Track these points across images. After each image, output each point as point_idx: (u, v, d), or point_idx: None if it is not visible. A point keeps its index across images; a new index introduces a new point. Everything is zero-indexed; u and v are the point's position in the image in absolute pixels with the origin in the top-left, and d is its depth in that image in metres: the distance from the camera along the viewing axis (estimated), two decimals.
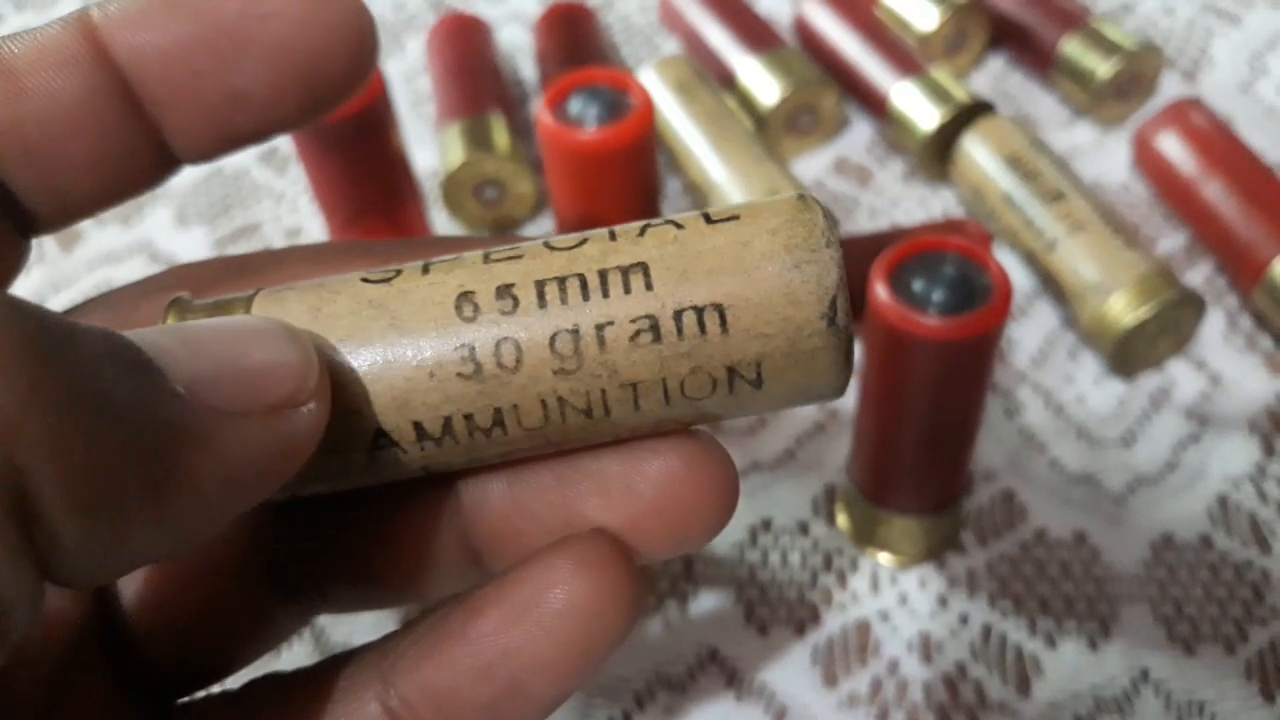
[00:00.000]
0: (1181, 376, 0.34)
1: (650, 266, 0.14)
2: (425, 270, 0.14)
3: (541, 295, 0.14)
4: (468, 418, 0.14)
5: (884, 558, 0.31)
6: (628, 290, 0.14)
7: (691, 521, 0.15)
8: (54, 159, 0.15)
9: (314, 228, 0.41)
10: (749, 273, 0.14)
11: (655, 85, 0.40)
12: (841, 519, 0.31)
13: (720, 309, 0.14)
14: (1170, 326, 0.33)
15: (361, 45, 0.15)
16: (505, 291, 0.14)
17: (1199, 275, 0.37)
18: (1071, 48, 0.41)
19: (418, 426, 0.14)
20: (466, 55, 0.42)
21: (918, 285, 0.25)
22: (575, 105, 0.29)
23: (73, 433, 0.11)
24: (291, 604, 0.17)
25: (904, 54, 0.41)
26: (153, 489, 0.11)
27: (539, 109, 0.29)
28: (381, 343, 0.14)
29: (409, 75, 0.46)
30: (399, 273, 0.14)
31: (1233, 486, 0.32)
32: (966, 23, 0.43)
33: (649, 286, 0.14)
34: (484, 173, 0.38)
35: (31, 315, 0.11)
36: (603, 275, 0.14)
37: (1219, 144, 0.37)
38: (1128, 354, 0.33)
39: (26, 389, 0.10)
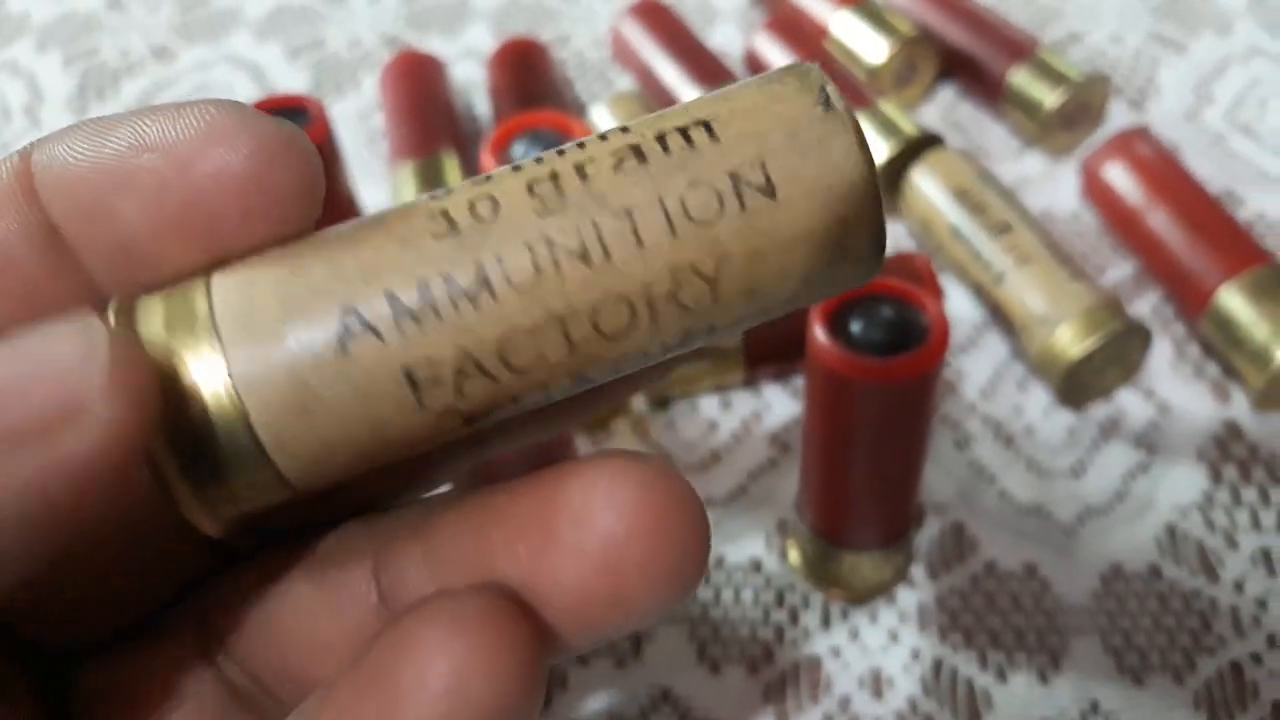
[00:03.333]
0: (1130, 405, 0.34)
1: (627, 126, 0.13)
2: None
3: (517, 168, 0.13)
4: (447, 280, 0.12)
5: (835, 593, 0.31)
6: (604, 139, 0.13)
7: (632, 573, 0.12)
8: None
9: None
10: (728, 98, 0.13)
11: (608, 122, 0.40)
12: (793, 555, 0.31)
13: (705, 123, 0.13)
14: (1118, 357, 0.34)
15: (260, 193, 0.13)
16: (477, 176, 0.13)
17: (1147, 304, 0.37)
18: (1019, 78, 0.41)
19: (391, 297, 0.12)
20: (419, 94, 0.42)
21: (856, 327, 0.25)
22: (519, 149, 0.29)
23: None
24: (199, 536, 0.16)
25: (853, 87, 0.41)
26: None
27: (483, 153, 0.29)
28: (349, 231, 0.13)
29: (364, 112, 0.46)
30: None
31: (1181, 515, 0.32)
32: (916, 54, 0.43)
33: (625, 130, 0.13)
34: None
35: None
36: (580, 142, 0.13)
37: (1165, 174, 0.37)
38: (1076, 385, 0.34)
39: None
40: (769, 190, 0.12)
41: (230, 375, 0.12)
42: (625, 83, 0.47)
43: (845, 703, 0.29)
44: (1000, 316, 0.35)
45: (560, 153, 0.13)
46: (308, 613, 0.14)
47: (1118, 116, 0.43)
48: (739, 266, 0.13)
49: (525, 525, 0.13)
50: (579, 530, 0.12)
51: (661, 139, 0.13)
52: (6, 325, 0.14)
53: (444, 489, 0.16)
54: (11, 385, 0.11)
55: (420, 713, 0.11)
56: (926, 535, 0.32)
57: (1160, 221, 0.36)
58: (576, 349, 0.13)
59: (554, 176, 0.13)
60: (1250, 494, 0.32)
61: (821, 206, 0.13)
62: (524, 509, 0.13)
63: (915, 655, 0.30)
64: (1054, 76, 0.41)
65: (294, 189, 0.13)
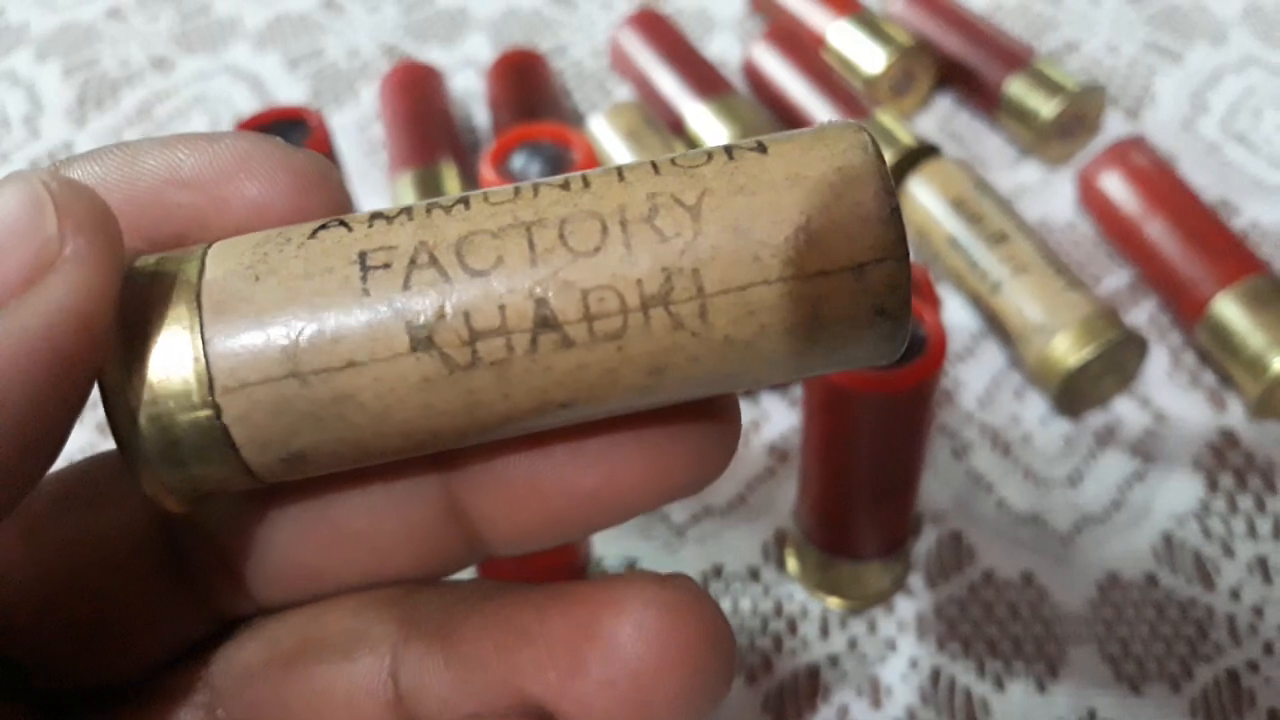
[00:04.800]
0: (1126, 414, 0.35)
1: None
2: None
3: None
4: (430, 201, 0.13)
5: (834, 602, 0.31)
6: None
7: (660, 704, 0.12)
8: None
9: None
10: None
11: (606, 132, 0.41)
12: (792, 564, 0.32)
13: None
14: (1114, 366, 0.34)
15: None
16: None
17: (1143, 313, 0.37)
18: (1016, 88, 0.42)
19: (374, 213, 0.13)
20: (418, 105, 0.42)
21: None
22: (518, 161, 0.29)
23: None
24: (199, 598, 0.16)
25: (850, 97, 0.41)
26: None
27: (482, 164, 0.30)
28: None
29: (363, 123, 0.46)
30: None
31: (1177, 524, 0.32)
32: (913, 64, 0.44)
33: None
34: None
35: None
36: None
37: (1160, 183, 0.38)
38: (1073, 394, 0.34)
39: None
40: (760, 149, 0.12)
41: (202, 274, 0.13)
42: (623, 92, 0.47)
43: (844, 712, 0.29)
44: (997, 325, 0.35)
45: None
46: (318, 696, 0.14)
47: (1113, 126, 0.43)
48: (723, 199, 0.12)
49: (554, 650, 0.13)
50: (609, 663, 0.12)
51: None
52: None
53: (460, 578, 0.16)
54: None
55: None
56: (924, 544, 0.32)
57: (1156, 230, 0.37)
58: (539, 260, 0.12)
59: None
60: (1246, 502, 0.32)
61: (817, 158, 0.12)
62: (553, 632, 0.13)
63: (913, 664, 0.30)
64: (1050, 86, 0.41)
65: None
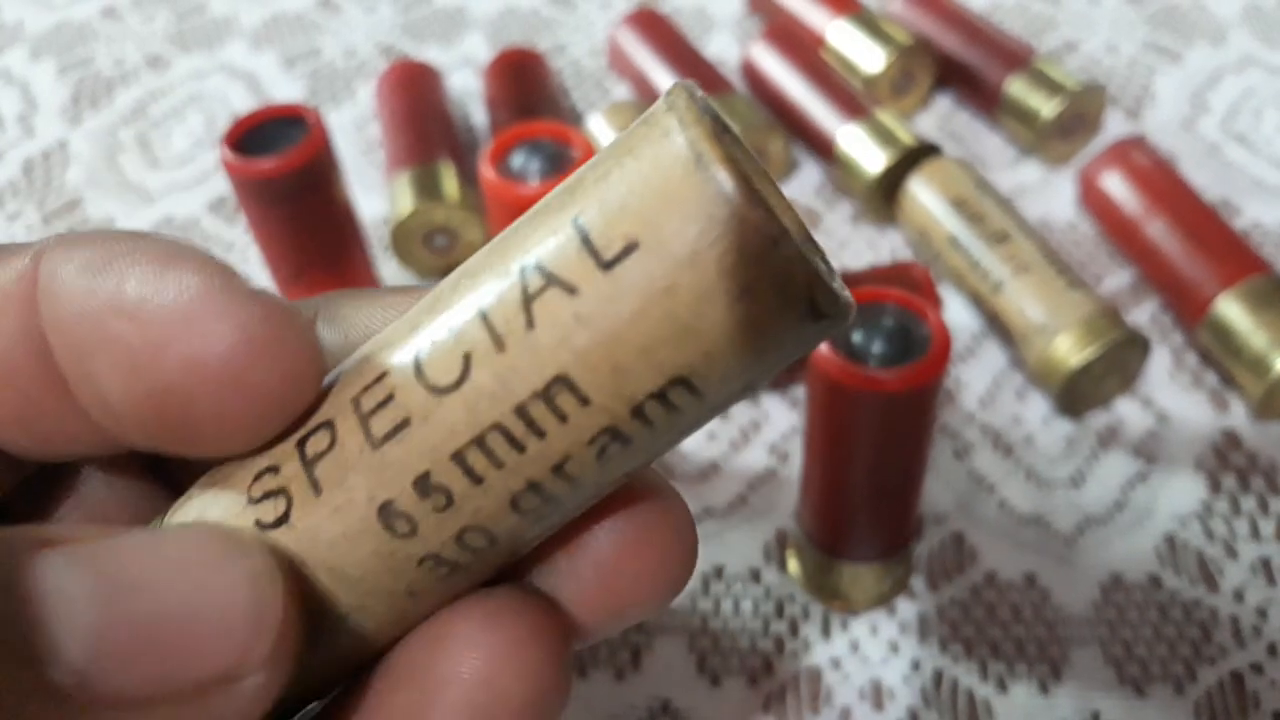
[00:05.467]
0: (1129, 414, 0.34)
1: (571, 376, 0.11)
2: (315, 489, 0.12)
3: (471, 473, 0.11)
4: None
5: (836, 604, 0.31)
6: (564, 420, 0.11)
7: (639, 594, 0.13)
8: None
9: (264, 278, 0.41)
10: (690, 325, 0.10)
11: (604, 131, 0.40)
12: (793, 565, 0.31)
13: (685, 381, 0.11)
14: (1116, 366, 0.34)
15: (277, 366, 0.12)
16: (426, 487, 0.11)
17: (1145, 313, 0.37)
18: (1016, 88, 0.41)
19: None
20: (415, 103, 0.42)
21: (857, 337, 0.25)
22: (518, 159, 0.29)
23: None
24: None
25: (850, 97, 0.41)
26: None
27: (481, 163, 0.29)
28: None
29: (360, 122, 0.46)
30: (288, 503, 0.12)
31: (1180, 525, 0.32)
32: (913, 64, 0.44)
33: (585, 402, 0.11)
34: (433, 221, 0.38)
35: None
36: (522, 412, 0.11)
37: (1161, 183, 0.38)
38: (1075, 394, 0.34)
39: None
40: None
41: None
42: (621, 92, 0.46)
43: (846, 714, 0.29)
44: (999, 325, 0.35)
45: (517, 446, 0.11)
46: None
47: (1114, 125, 0.43)
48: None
49: (554, 560, 0.13)
50: (602, 572, 0.13)
51: (639, 412, 0.11)
52: (5, 437, 0.13)
53: None
54: (184, 631, 0.10)
55: (454, 704, 0.12)
56: (926, 545, 0.32)
57: (1157, 230, 0.36)
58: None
59: (534, 484, 0.12)
60: (1249, 503, 0.32)
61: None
62: (555, 554, 0.13)
63: (916, 666, 0.30)
64: (1050, 86, 0.41)
65: (276, 391, 0.12)
